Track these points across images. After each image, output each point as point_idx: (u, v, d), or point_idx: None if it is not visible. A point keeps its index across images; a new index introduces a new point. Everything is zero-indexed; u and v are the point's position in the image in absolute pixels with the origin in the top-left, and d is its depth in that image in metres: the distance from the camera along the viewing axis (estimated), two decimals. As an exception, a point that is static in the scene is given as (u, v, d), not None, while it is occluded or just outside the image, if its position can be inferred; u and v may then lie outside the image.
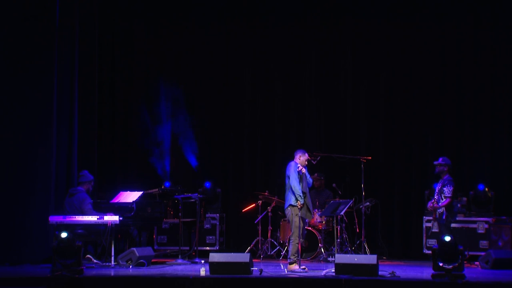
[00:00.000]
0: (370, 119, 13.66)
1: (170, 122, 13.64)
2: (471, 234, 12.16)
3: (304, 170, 10.14)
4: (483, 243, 12.08)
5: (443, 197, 10.78)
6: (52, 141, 11.34)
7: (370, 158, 11.65)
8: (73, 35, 11.90)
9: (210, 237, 13.03)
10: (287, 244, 10.61)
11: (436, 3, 13.36)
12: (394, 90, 13.59)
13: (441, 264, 8.82)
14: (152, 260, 10.81)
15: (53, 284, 8.96)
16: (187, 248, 11.83)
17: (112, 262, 10.35)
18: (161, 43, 13.89)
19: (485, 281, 8.98)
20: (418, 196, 13.03)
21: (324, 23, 13.77)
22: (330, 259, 11.71)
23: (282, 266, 10.45)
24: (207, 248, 12.73)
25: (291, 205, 10.13)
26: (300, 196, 10.02)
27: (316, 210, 12.32)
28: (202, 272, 9.39)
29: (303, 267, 10.04)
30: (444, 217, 10.79)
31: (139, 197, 11.15)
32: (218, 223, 13.09)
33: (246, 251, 12.21)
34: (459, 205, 12.37)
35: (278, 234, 12.57)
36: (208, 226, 13.01)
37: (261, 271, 9.45)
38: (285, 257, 11.06)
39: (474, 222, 12.26)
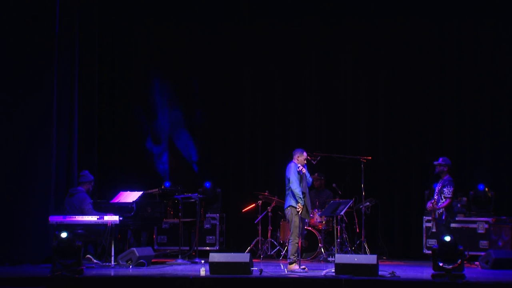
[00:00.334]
0: (370, 119, 13.66)
1: (170, 122, 13.64)
2: (471, 234, 12.16)
3: (304, 170, 10.13)
4: (483, 243, 12.08)
5: (443, 198, 10.78)
6: (52, 141, 11.34)
7: (370, 158, 11.65)
8: (73, 35, 11.90)
9: (210, 237, 13.03)
10: (287, 244, 10.61)
11: (436, 3, 13.35)
12: (394, 90, 13.59)
13: (441, 264, 8.82)
14: (152, 260, 10.81)
15: (53, 284, 8.96)
16: (187, 248, 11.83)
17: (112, 262, 10.36)
18: (161, 43, 13.88)
19: (485, 281, 8.98)
20: (418, 196, 13.02)
21: (324, 23, 13.77)
22: (330, 259, 11.71)
23: (282, 266, 10.46)
24: (207, 248, 12.73)
25: (291, 205, 10.13)
26: (300, 198, 10.02)
27: (316, 210, 12.33)
28: (202, 272, 9.40)
29: (303, 267, 10.05)
30: (443, 217, 10.79)
31: (139, 197, 11.15)
32: (218, 223, 13.09)
33: (246, 251, 12.21)
34: (459, 205, 12.38)
35: (278, 234, 12.57)
36: (208, 226, 13.01)
37: (261, 271, 9.46)
38: (285, 257, 11.05)
39: (474, 222, 12.25)
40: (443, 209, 10.73)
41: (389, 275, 9.17)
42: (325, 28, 13.78)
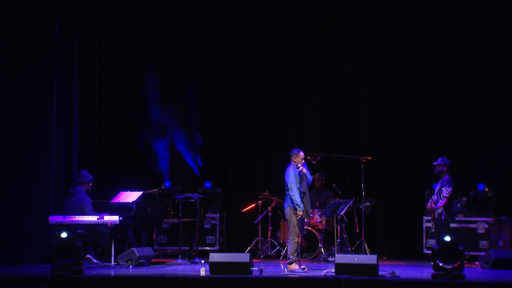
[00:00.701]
0: (370, 119, 13.66)
1: (170, 122, 13.64)
2: (471, 234, 12.15)
3: (304, 170, 10.10)
4: (483, 243, 12.07)
5: (441, 198, 10.80)
6: (52, 141, 11.33)
7: (370, 158, 11.65)
8: (73, 35, 11.89)
9: (210, 237, 13.03)
10: (287, 244, 10.61)
11: (436, 3, 13.35)
12: (394, 90, 13.59)
13: (441, 264, 8.82)
14: (152, 260, 10.81)
15: (53, 284, 8.96)
16: (187, 248, 11.83)
17: (112, 262, 10.35)
18: (161, 43, 13.88)
19: (485, 281, 8.98)
20: (418, 196, 13.02)
21: (324, 23, 13.77)
22: (330, 259, 11.71)
23: (282, 266, 10.46)
24: (207, 248, 12.73)
25: (289, 206, 10.13)
26: (298, 206, 9.99)
27: (316, 210, 12.33)
28: (202, 272, 9.40)
29: (303, 267, 10.05)
30: (443, 218, 10.80)
31: (139, 197, 11.15)
32: (218, 223, 13.09)
33: (246, 251, 12.21)
34: (459, 205, 12.38)
35: (278, 234, 12.57)
36: (208, 226, 13.01)
37: (261, 271, 9.45)
38: (285, 257, 11.05)
39: (474, 222, 12.25)
40: (442, 209, 10.74)
41: (389, 275, 9.17)
42: (325, 28, 13.78)
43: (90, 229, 10.69)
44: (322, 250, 12.05)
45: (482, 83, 13.26)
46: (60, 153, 11.55)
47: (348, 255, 9.88)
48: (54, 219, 10.63)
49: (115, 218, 10.50)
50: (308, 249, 12.11)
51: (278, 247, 12.46)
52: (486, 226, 12.14)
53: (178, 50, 13.96)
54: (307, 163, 10.45)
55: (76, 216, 10.62)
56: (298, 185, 10.07)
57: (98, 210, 10.90)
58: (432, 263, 9.01)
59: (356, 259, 9.24)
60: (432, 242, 11.88)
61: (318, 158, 11.02)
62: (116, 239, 10.61)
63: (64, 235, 9.24)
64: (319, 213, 12.21)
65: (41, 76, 11.36)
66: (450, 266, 8.76)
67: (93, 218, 10.56)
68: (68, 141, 11.75)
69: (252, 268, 9.43)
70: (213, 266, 9.38)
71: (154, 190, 11.54)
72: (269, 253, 12.44)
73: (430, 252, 10.02)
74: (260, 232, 12.50)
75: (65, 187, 11.49)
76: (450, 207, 10.89)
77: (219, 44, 13.93)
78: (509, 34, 13.13)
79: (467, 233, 12.14)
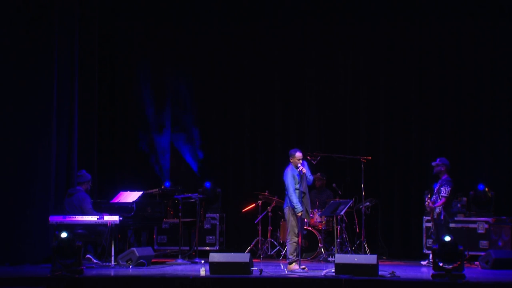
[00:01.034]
0: (370, 119, 13.66)
1: (170, 122, 13.65)
2: (471, 234, 12.15)
3: (304, 170, 10.08)
4: (483, 243, 12.07)
5: (440, 197, 10.81)
6: (52, 141, 11.33)
7: (370, 158, 11.66)
8: (73, 35, 11.89)
9: (210, 237, 13.03)
10: (286, 244, 10.60)
11: (436, 3, 13.35)
12: (394, 89, 13.59)
13: (441, 264, 8.82)
14: (152, 260, 10.81)
15: (53, 284, 8.95)
16: (187, 248, 11.83)
17: (112, 262, 10.35)
18: (161, 43, 13.88)
19: (485, 281, 8.97)
20: (418, 196, 13.02)
21: (324, 23, 13.76)
22: (330, 259, 11.71)
23: (282, 266, 10.45)
24: (207, 248, 12.73)
25: (288, 205, 10.13)
26: (296, 206, 9.98)
27: (316, 210, 12.33)
28: (202, 272, 9.39)
29: (303, 266, 10.04)
30: (442, 217, 10.82)
31: (139, 197, 11.15)
32: (218, 223, 13.09)
33: (246, 251, 12.22)
34: (459, 205, 12.38)
35: (278, 234, 12.57)
36: (208, 226, 13.01)
37: (261, 271, 9.45)
38: (285, 257, 11.05)
39: (474, 222, 12.25)
40: (441, 209, 10.74)
41: (389, 275, 9.16)
42: (325, 28, 13.78)
43: (90, 229, 10.69)
44: (322, 250, 12.05)
45: (482, 83, 13.26)
46: (60, 153, 11.54)
47: (348, 255, 9.87)
48: (54, 219, 10.63)
49: (115, 218, 10.49)
50: (308, 249, 12.11)
51: (278, 247, 12.46)
52: (486, 226, 12.13)
53: (178, 50, 13.96)
54: (308, 163, 10.43)
55: (76, 216, 10.62)
56: (297, 186, 10.05)
57: (98, 210, 10.90)
58: (432, 263, 9.01)
59: (356, 259, 9.24)
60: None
61: (318, 158, 11.01)
62: (116, 239, 10.61)
63: (64, 235, 9.24)
64: (319, 213, 12.21)
65: (41, 76, 11.36)
66: (450, 266, 8.76)
67: (93, 218, 10.55)
68: (68, 141, 11.74)
69: (252, 268, 9.43)
70: (213, 266, 9.38)
71: (154, 190, 11.54)
72: (269, 253, 12.44)
73: (430, 252, 10.03)
74: (260, 232, 12.50)
75: (65, 187, 11.48)
76: (449, 207, 10.90)
77: (220, 44, 13.93)
78: (509, 34, 13.13)
79: (467, 233, 12.13)
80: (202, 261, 11.15)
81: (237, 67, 14.01)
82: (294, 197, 10.00)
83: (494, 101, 13.20)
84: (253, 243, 12.55)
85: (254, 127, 14.00)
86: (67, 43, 11.77)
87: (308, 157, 10.69)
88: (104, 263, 10.44)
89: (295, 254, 10.03)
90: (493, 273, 10.01)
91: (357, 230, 12.23)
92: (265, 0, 13.82)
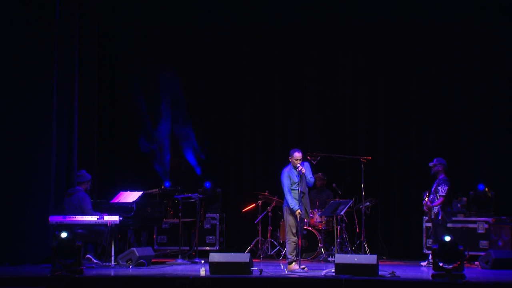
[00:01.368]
0: (370, 119, 13.66)
1: (170, 122, 13.65)
2: (471, 234, 12.15)
3: (304, 170, 10.07)
4: (483, 243, 12.07)
5: (437, 197, 10.82)
6: (52, 141, 11.33)
7: (370, 158, 11.66)
8: (73, 35, 11.89)
9: (210, 237, 13.04)
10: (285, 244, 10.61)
11: (436, 4, 13.35)
12: (394, 89, 13.59)
13: (441, 264, 8.82)
14: (152, 260, 10.81)
15: (53, 284, 8.95)
16: (187, 248, 11.83)
17: (112, 262, 10.35)
18: (161, 43, 13.88)
19: (485, 281, 8.97)
20: (418, 196, 13.00)
21: (324, 23, 13.77)
22: (330, 259, 11.71)
23: (282, 266, 10.45)
24: (207, 248, 12.73)
25: (285, 205, 10.14)
26: (291, 207, 9.98)
27: (316, 210, 12.33)
28: (202, 272, 9.39)
29: (303, 266, 10.04)
30: (440, 217, 10.82)
31: (139, 197, 11.15)
32: (218, 223, 13.09)
33: (246, 251, 12.22)
34: (459, 205, 12.39)
35: (278, 234, 12.57)
36: (208, 226, 13.01)
37: (261, 271, 9.45)
38: (285, 257, 11.05)
39: (474, 222, 12.24)
40: (439, 208, 10.75)
41: (389, 275, 9.16)
42: (325, 28, 13.78)
43: (90, 229, 10.69)
44: (322, 250, 12.05)
45: (482, 83, 13.26)
46: (60, 153, 11.54)
47: (348, 255, 9.87)
48: (54, 219, 10.63)
49: (115, 218, 10.49)
50: (308, 249, 12.11)
51: (278, 247, 12.46)
52: (486, 226, 12.13)
53: (178, 50, 13.96)
54: (308, 163, 10.42)
55: (76, 216, 10.62)
56: (293, 186, 10.05)
57: (98, 210, 10.90)
58: (432, 263, 9.01)
59: (356, 259, 9.24)
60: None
61: (318, 158, 11.01)
62: (116, 239, 10.61)
63: (64, 235, 9.24)
64: (319, 213, 12.21)
65: (41, 76, 11.35)
66: (450, 266, 8.76)
67: (93, 218, 10.55)
68: (68, 141, 11.74)
69: (252, 268, 9.43)
70: (213, 266, 9.38)
71: (154, 190, 11.54)
72: (269, 253, 12.44)
73: (430, 252, 10.03)
74: (260, 232, 12.51)
75: (65, 187, 11.48)
76: (447, 206, 10.90)
77: (220, 44, 13.93)
78: (509, 34, 13.13)
79: (467, 233, 12.13)
80: (202, 261, 11.15)
81: (237, 67, 14.01)
82: (289, 196, 10.01)
83: (494, 101, 13.20)
84: (253, 243, 12.55)
85: (254, 127, 14.01)
86: (67, 43, 11.76)
87: (308, 157, 10.68)
88: (104, 263, 10.44)
89: (294, 253, 10.03)
90: (493, 273, 10.01)
91: (357, 230, 12.23)
92: (265, 0, 13.82)
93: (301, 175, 10.03)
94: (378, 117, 13.65)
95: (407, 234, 13.28)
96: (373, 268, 9.08)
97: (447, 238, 8.97)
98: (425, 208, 11.08)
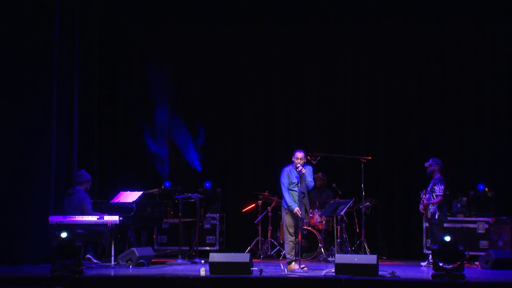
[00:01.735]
0: (370, 119, 13.67)
1: (170, 122, 13.64)
2: (471, 234, 12.15)
3: (304, 170, 10.06)
4: (483, 243, 12.07)
5: (434, 196, 10.83)
6: (52, 141, 11.32)
7: (370, 158, 11.66)
8: (73, 35, 11.89)
9: (210, 237, 13.04)
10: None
11: (436, 4, 13.35)
12: (394, 89, 13.59)
13: (441, 264, 8.82)
14: (152, 260, 10.81)
15: (53, 284, 8.95)
16: (187, 248, 11.83)
17: (112, 262, 10.35)
18: (161, 43, 13.89)
19: (485, 281, 8.97)
20: (418, 196, 12.99)
21: (324, 23, 13.77)
22: (330, 259, 11.71)
23: (282, 266, 10.45)
24: (207, 248, 12.73)
25: (282, 205, 10.15)
26: (289, 206, 9.99)
27: (316, 210, 12.33)
28: (202, 272, 9.39)
29: (303, 266, 10.04)
30: (436, 217, 10.83)
31: (139, 197, 11.15)
32: (218, 223, 13.09)
33: (246, 251, 12.22)
34: (459, 205, 12.39)
35: (278, 234, 12.57)
36: (208, 226, 13.01)
37: (261, 271, 9.45)
38: (285, 257, 11.06)
39: (474, 222, 12.24)
40: (435, 208, 10.75)
41: (389, 275, 9.16)
42: (325, 28, 13.78)
43: (90, 229, 10.68)
44: (322, 250, 12.05)
45: (482, 83, 13.26)
46: (60, 153, 11.54)
47: (348, 255, 9.86)
48: (54, 219, 10.62)
49: (115, 218, 10.49)
50: (308, 249, 12.11)
51: (278, 247, 12.46)
52: (486, 226, 12.13)
53: (178, 50, 13.96)
54: (309, 164, 10.40)
55: (76, 216, 10.61)
56: (291, 186, 10.06)
57: (98, 210, 10.90)
58: (432, 263, 9.01)
59: (356, 259, 9.23)
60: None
61: (318, 158, 11.01)
62: (116, 239, 10.61)
63: (64, 235, 9.23)
64: (319, 213, 12.21)
65: (41, 75, 11.35)
66: (450, 266, 8.76)
67: (93, 218, 10.55)
68: (68, 141, 11.74)
69: (252, 268, 9.43)
70: (213, 266, 9.38)
71: (154, 190, 11.54)
72: (269, 253, 12.44)
73: (430, 252, 10.03)
74: (260, 232, 12.51)
75: (65, 187, 11.48)
76: (443, 206, 10.90)
77: (220, 44, 13.93)
78: (509, 34, 13.13)
79: (467, 233, 12.13)
80: (202, 261, 11.16)
81: (237, 67, 14.01)
82: (286, 195, 10.03)
83: (494, 101, 13.20)
84: (253, 243, 12.55)
85: (254, 127, 14.01)
86: (67, 43, 11.76)
87: (308, 157, 10.68)
88: (104, 263, 10.44)
89: (292, 253, 10.02)
90: (493, 273, 10.01)
91: (357, 230, 12.23)
92: (265, 0, 13.83)
93: (301, 176, 10.02)
94: (378, 117, 13.65)
95: (407, 234, 13.29)
96: (373, 268, 9.08)
97: (447, 238, 8.97)
98: (421, 207, 11.09)
